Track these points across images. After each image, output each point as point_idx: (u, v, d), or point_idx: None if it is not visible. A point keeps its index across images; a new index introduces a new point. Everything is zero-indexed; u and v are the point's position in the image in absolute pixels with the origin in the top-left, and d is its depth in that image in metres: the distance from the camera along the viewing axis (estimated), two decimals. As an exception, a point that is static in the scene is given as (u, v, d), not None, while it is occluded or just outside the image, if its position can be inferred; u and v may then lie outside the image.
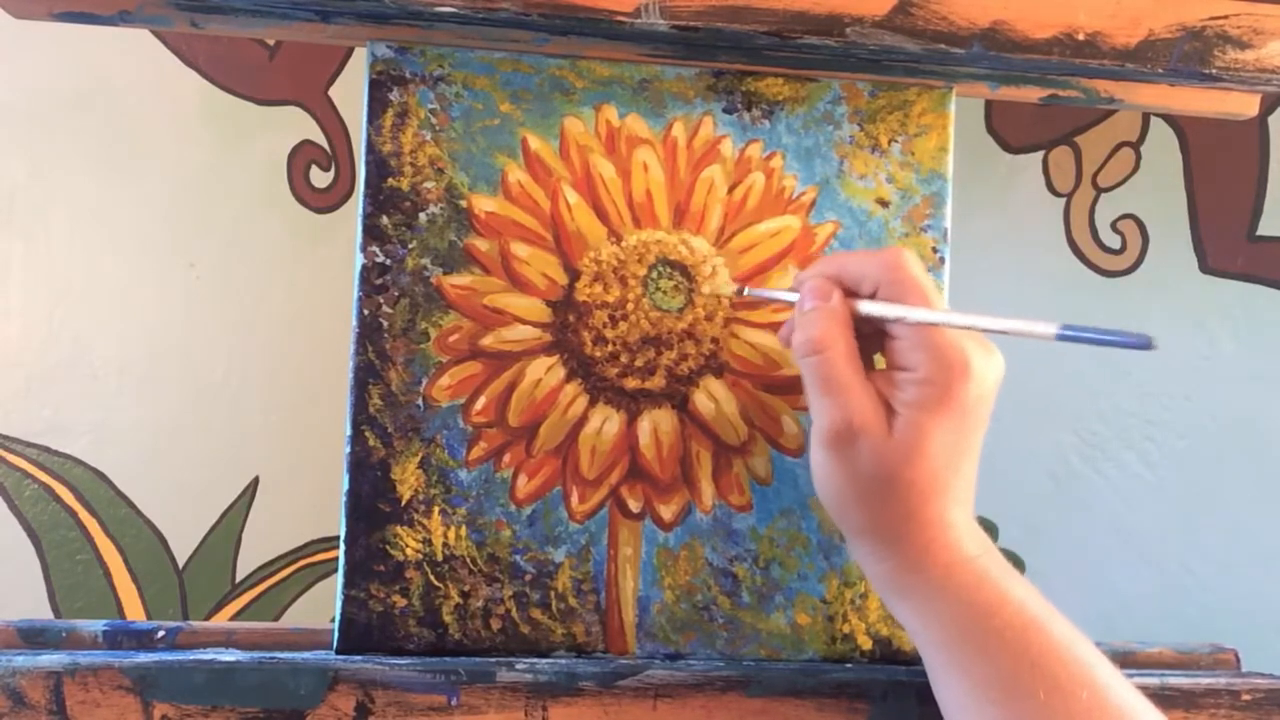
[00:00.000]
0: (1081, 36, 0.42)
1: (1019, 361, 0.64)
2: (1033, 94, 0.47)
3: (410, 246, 0.43)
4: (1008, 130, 0.65)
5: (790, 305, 0.41)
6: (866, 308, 0.38)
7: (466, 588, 0.43)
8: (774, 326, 0.45)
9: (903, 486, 0.37)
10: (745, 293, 0.44)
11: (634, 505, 0.44)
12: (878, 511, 0.37)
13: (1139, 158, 0.65)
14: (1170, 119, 0.65)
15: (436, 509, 0.43)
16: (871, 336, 0.39)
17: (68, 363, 0.59)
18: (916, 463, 0.36)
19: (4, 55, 0.59)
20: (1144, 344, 0.30)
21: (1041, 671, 0.35)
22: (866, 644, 0.45)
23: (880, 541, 0.38)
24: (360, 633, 0.42)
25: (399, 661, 0.40)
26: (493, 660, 0.41)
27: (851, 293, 0.39)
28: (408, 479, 0.43)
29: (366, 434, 0.42)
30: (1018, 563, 0.64)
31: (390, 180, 0.43)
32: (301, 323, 0.60)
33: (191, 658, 0.40)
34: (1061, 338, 0.32)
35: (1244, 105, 0.48)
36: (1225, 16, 0.43)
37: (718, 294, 0.44)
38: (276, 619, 0.61)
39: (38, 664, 0.38)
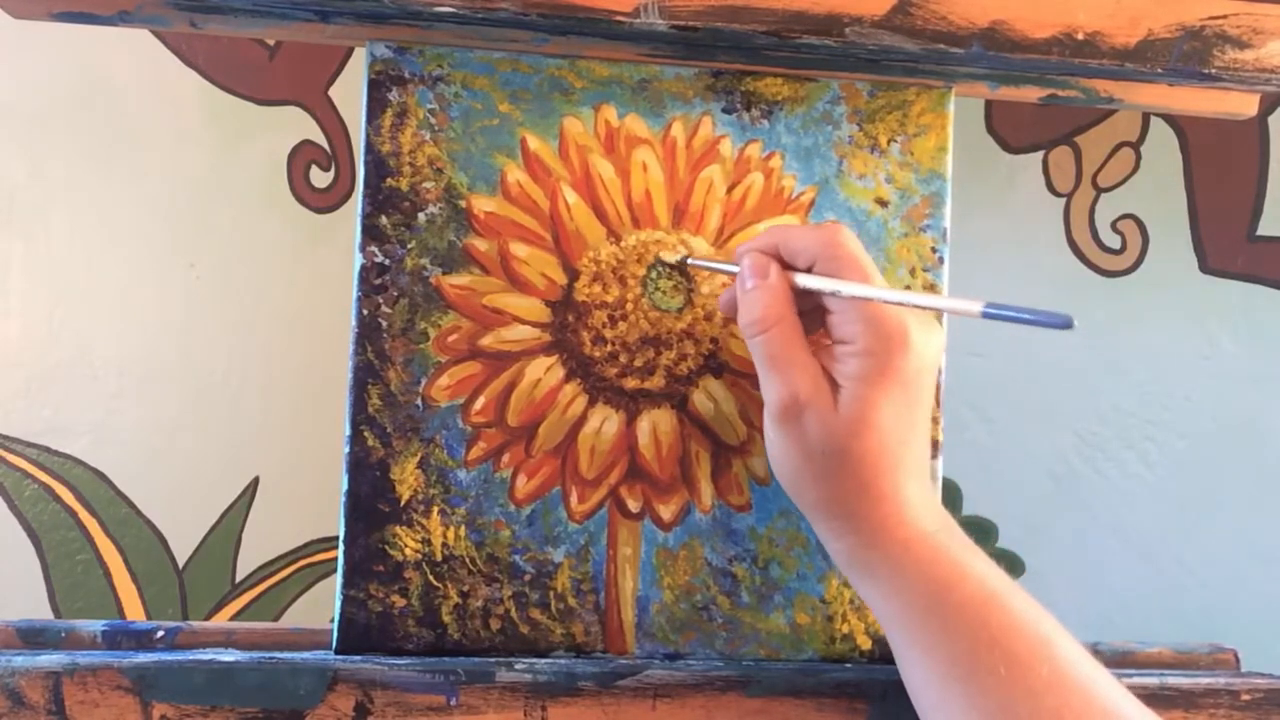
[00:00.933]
0: (1081, 36, 0.42)
1: (1019, 362, 0.64)
2: (1032, 94, 0.47)
3: (409, 246, 0.43)
4: (1008, 130, 0.64)
5: (731, 276, 0.41)
6: (804, 281, 0.39)
7: (466, 588, 0.43)
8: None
9: (852, 460, 0.37)
10: (689, 263, 0.44)
11: (633, 505, 0.44)
12: (831, 486, 0.38)
13: (1139, 158, 0.65)
14: (1170, 119, 0.65)
15: (436, 509, 0.43)
16: (813, 312, 0.40)
17: (68, 363, 0.59)
18: (863, 435, 0.37)
19: (4, 55, 0.59)
20: (1064, 323, 0.30)
21: (1002, 647, 0.35)
22: (866, 644, 0.45)
23: (836, 517, 0.38)
24: (359, 633, 0.42)
25: (398, 661, 0.40)
26: (492, 660, 0.41)
27: (790, 266, 0.40)
28: (407, 479, 0.43)
29: (366, 434, 0.42)
30: (1018, 563, 0.64)
31: (389, 180, 0.43)
32: (301, 323, 0.60)
33: (191, 658, 0.40)
34: (987, 315, 0.32)
35: (1244, 105, 0.48)
36: (1224, 16, 0.43)
37: (665, 262, 0.44)
38: (276, 619, 0.61)
39: (37, 664, 0.38)
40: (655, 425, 0.44)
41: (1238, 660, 0.49)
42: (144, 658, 0.39)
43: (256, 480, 0.61)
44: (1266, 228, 0.65)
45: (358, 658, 0.41)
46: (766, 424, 0.39)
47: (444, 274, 0.43)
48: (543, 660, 0.42)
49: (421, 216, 0.43)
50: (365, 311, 0.43)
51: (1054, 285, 0.65)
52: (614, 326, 0.44)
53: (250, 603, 0.61)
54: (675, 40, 0.43)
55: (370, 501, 0.42)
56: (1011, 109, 0.64)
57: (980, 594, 0.36)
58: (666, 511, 0.44)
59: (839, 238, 0.39)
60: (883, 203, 0.46)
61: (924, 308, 0.36)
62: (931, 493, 0.39)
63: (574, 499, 0.43)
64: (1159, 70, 0.43)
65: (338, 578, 0.42)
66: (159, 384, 0.60)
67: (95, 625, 0.44)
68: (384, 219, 0.43)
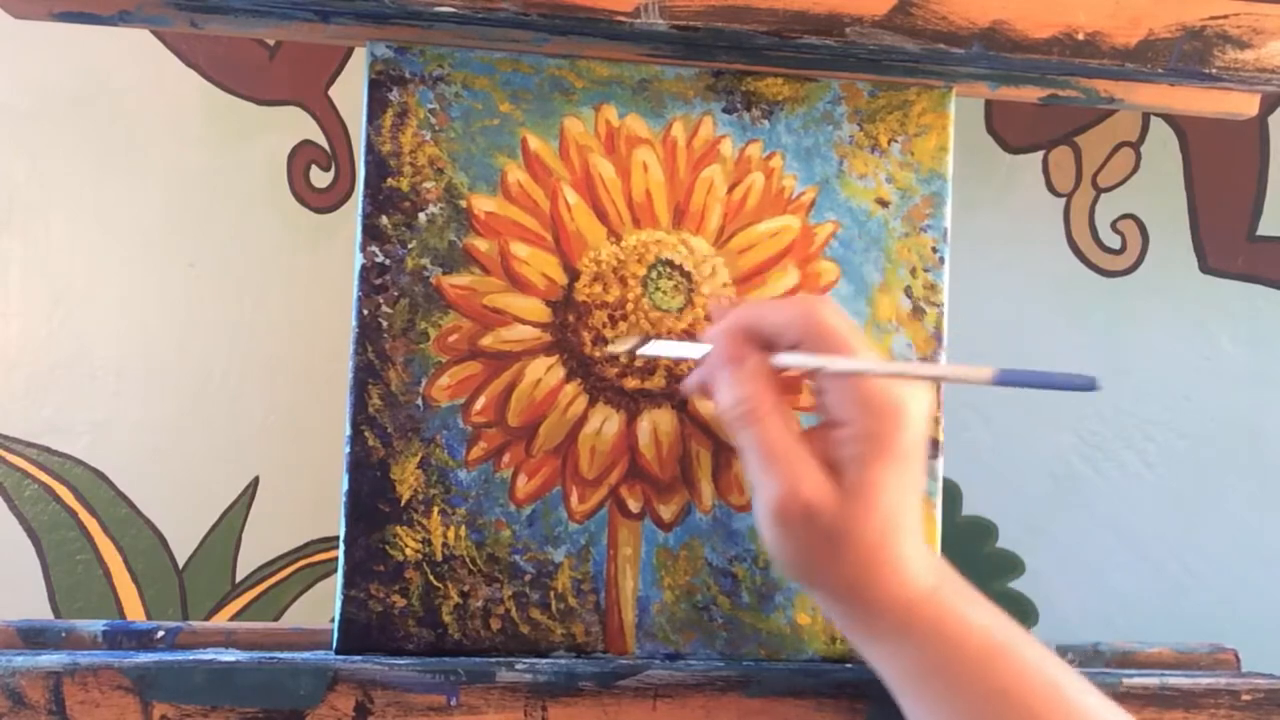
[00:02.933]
0: (1081, 36, 0.42)
1: (1019, 362, 0.64)
2: (1032, 94, 0.47)
3: (410, 246, 0.43)
4: (1008, 130, 0.64)
5: (693, 361, 0.39)
6: (786, 360, 0.37)
7: (466, 588, 0.43)
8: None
9: (855, 539, 0.36)
10: (643, 352, 0.42)
11: (634, 505, 0.44)
12: (835, 567, 0.37)
13: (1139, 158, 0.65)
14: (1170, 119, 0.65)
15: (436, 509, 0.43)
16: (790, 381, 0.39)
17: (68, 363, 0.59)
18: (868, 516, 0.36)
19: (4, 55, 0.59)
20: (1088, 385, 0.28)
21: (1012, 699, 0.35)
22: (866, 644, 0.45)
23: (838, 593, 0.37)
24: (360, 633, 0.42)
25: (398, 661, 0.40)
26: (492, 660, 0.41)
27: (767, 345, 0.38)
28: (407, 479, 0.43)
29: (366, 434, 0.42)
30: (1018, 563, 0.64)
31: (390, 180, 0.43)
32: (301, 323, 0.60)
33: (191, 658, 0.40)
34: (999, 382, 0.31)
35: (1244, 105, 0.48)
36: (1225, 16, 0.43)
37: (615, 353, 0.43)
38: (276, 619, 0.61)
39: (37, 664, 0.38)
40: (656, 425, 0.44)
41: (1238, 660, 0.49)
42: (144, 658, 0.39)
43: (256, 480, 0.61)
44: (1266, 228, 0.65)
45: (358, 658, 0.41)
46: (763, 517, 0.37)
47: (444, 274, 0.43)
48: (543, 660, 0.42)
49: (422, 216, 0.43)
50: (366, 311, 0.43)
51: (1054, 285, 0.65)
52: (614, 326, 0.44)
53: (250, 603, 0.61)
54: (675, 40, 0.43)
55: (371, 501, 0.42)
56: (1011, 109, 0.64)
57: (986, 648, 0.36)
58: (667, 511, 0.44)
59: (819, 312, 0.37)
60: (883, 203, 0.46)
61: (924, 378, 0.34)
62: (926, 547, 0.38)
63: (574, 499, 0.43)
64: (1159, 70, 0.43)
65: (338, 578, 0.42)
66: (159, 384, 0.60)
67: (95, 625, 0.44)
68: (384, 219, 0.43)
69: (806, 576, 0.38)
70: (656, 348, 0.42)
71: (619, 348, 0.43)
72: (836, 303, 0.37)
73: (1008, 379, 0.30)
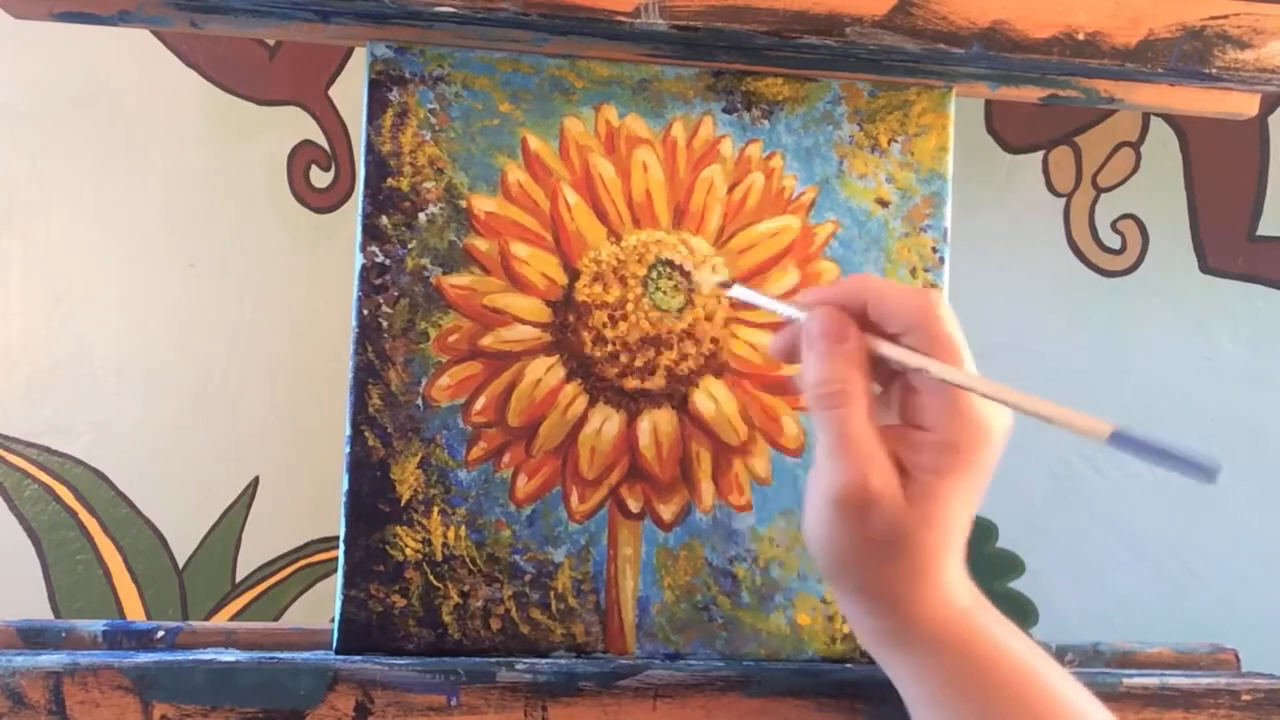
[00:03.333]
0: (1081, 36, 0.42)
1: (1020, 361, 0.64)
2: (1032, 94, 0.47)
3: (410, 246, 0.43)
4: (1008, 130, 0.65)
5: (786, 319, 0.38)
6: (889, 352, 0.35)
7: (466, 588, 0.43)
8: (775, 327, 0.44)
9: (911, 548, 0.35)
10: (733, 294, 0.42)
11: (634, 505, 0.44)
12: (880, 572, 0.36)
13: (1139, 158, 0.65)
14: (1170, 119, 0.65)
15: (436, 509, 0.43)
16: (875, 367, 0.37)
17: (68, 363, 0.59)
18: (930, 527, 0.35)
19: (4, 55, 0.59)
20: (1209, 475, 0.26)
21: None
22: (866, 644, 0.45)
23: (877, 601, 0.36)
24: (360, 633, 0.42)
25: (398, 661, 0.40)
26: (492, 660, 0.41)
27: (874, 328, 0.36)
28: (407, 479, 0.43)
29: (366, 434, 0.42)
30: (1018, 563, 0.64)
31: (390, 180, 0.43)
32: (301, 323, 0.60)
33: (191, 658, 0.40)
34: (1113, 442, 0.28)
35: (1244, 105, 0.48)
36: (1225, 16, 0.43)
37: (700, 287, 0.43)
38: (276, 619, 0.61)
39: (37, 664, 0.38)
40: (656, 425, 0.44)
41: (1238, 660, 0.49)
42: (144, 658, 0.39)
43: (256, 480, 0.61)
44: (1266, 228, 0.65)
45: (358, 658, 0.41)
46: (819, 502, 0.35)
47: (444, 274, 0.43)
48: (543, 660, 0.42)
49: (422, 216, 0.43)
50: (366, 311, 0.43)
51: (1054, 285, 0.65)
52: (614, 326, 0.44)
53: (250, 603, 0.61)
54: (675, 40, 0.43)
55: (371, 501, 0.42)
56: (1011, 109, 0.64)
57: (1018, 672, 0.35)
58: (667, 511, 0.44)
59: (938, 311, 0.35)
60: (883, 203, 0.46)
61: (1033, 415, 0.32)
62: (963, 568, 0.37)
63: (574, 499, 0.43)
64: (1159, 70, 0.43)
65: (338, 578, 0.42)
66: (159, 384, 0.60)
67: (95, 625, 0.44)
68: (384, 219, 0.43)
69: (848, 574, 0.36)
70: (745, 293, 0.41)
71: (707, 279, 0.41)
72: (948, 306, 0.36)
73: (1123, 441, 0.28)
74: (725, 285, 0.42)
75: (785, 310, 0.38)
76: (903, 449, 0.35)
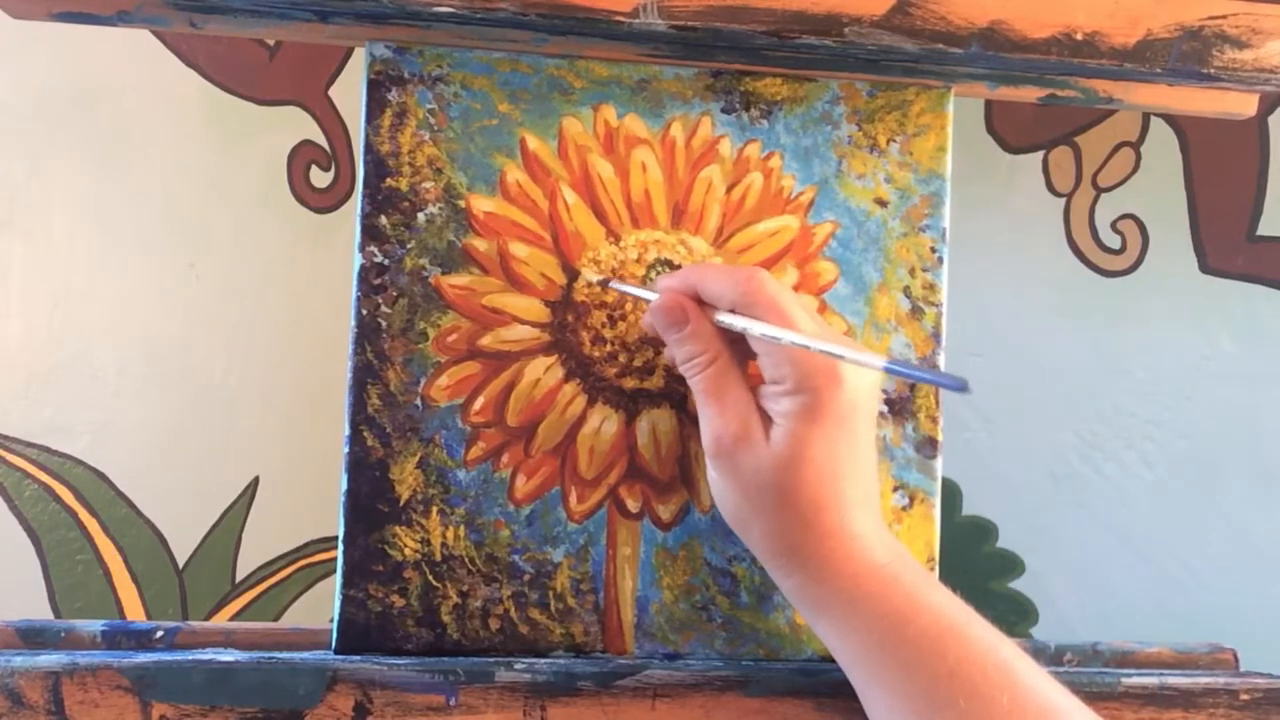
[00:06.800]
0: (1080, 36, 0.42)
1: (1019, 361, 0.64)
2: (1031, 94, 0.47)
3: (409, 246, 0.43)
4: (1008, 130, 0.64)
5: (647, 301, 0.42)
6: (722, 319, 0.39)
7: (465, 588, 0.43)
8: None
9: (789, 495, 0.37)
10: (610, 285, 0.44)
11: (632, 505, 0.44)
12: (770, 522, 0.38)
13: (1139, 158, 0.65)
14: (1170, 119, 0.65)
15: (435, 509, 0.43)
16: (744, 347, 0.40)
17: (68, 363, 0.59)
18: (799, 471, 0.37)
19: (4, 55, 0.59)
20: (960, 387, 0.30)
21: (960, 679, 0.34)
22: (865, 644, 0.45)
23: (781, 554, 0.38)
24: (359, 633, 0.42)
25: (397, 661, 0.40)
26: (491, 660, 0.41)
27: (711, 306, 0.40)
28: (406, 479, 0.43)
29: (365, 434, 0.42)
30: (1017, 563, 0.64)
31: (389, 180, 0.43)
32: (301, 322, 0.60)
33: (190, 658, 0.40)
34: (888, 370, 0.33)
35: (1243, 105, 0.48)
36: (1224, 16, 0.43)
37: (587, 281, 0.44)
38: (276, 619, 0.61)
39: (36, 664, 0.38)
40: (654, 425, 0.44)
41: (1237, 660, 0.49)
42: (144, 658, 0.40)
43: (256, 480, 0.61)
44: (1266, 228, 0.65)
45: (357, 658, 0.41)
46: (707, 461, 0.39)
47: (443, 274, 0.43)
48: (542, 660, 0.42)
49: (421, 216, 0.43)
50: (365, 311, 0.43)
51: (1054, 285, 0.65)
52: (613, 326, 0.44)
53: (250, 603, 0.61)
54: (675, 40, 0.43)
55: (370, 501, 0.42)
56: (1011, 109, 0.64)
57: (936, 625, 0.35)
58: (666, 511, 0.44)
59: (755, 281, 0.38)
60: (882, 203, 0.46)
61: (827, 353, 0.35)
62: (882, 526, 0.38)
63: (573, 499, 0.44)
64: (1158, 70, 0.43)
65: (337, 578, 0.42)
66: (159, 384, 0.60)
67: (95, 625, 0.44)
68: (383, 219, 0.43)
69: (746, 530, 0.39)
70: (620, 286, 0.44)
71: (592, 278, 0.44)
72: (771, 276, 0.39)
73: (893, 369, 0.32)
74: (603, 283, 0.44)
75: (647, 295, 0.42)
76: (767, 404, 0.38)
